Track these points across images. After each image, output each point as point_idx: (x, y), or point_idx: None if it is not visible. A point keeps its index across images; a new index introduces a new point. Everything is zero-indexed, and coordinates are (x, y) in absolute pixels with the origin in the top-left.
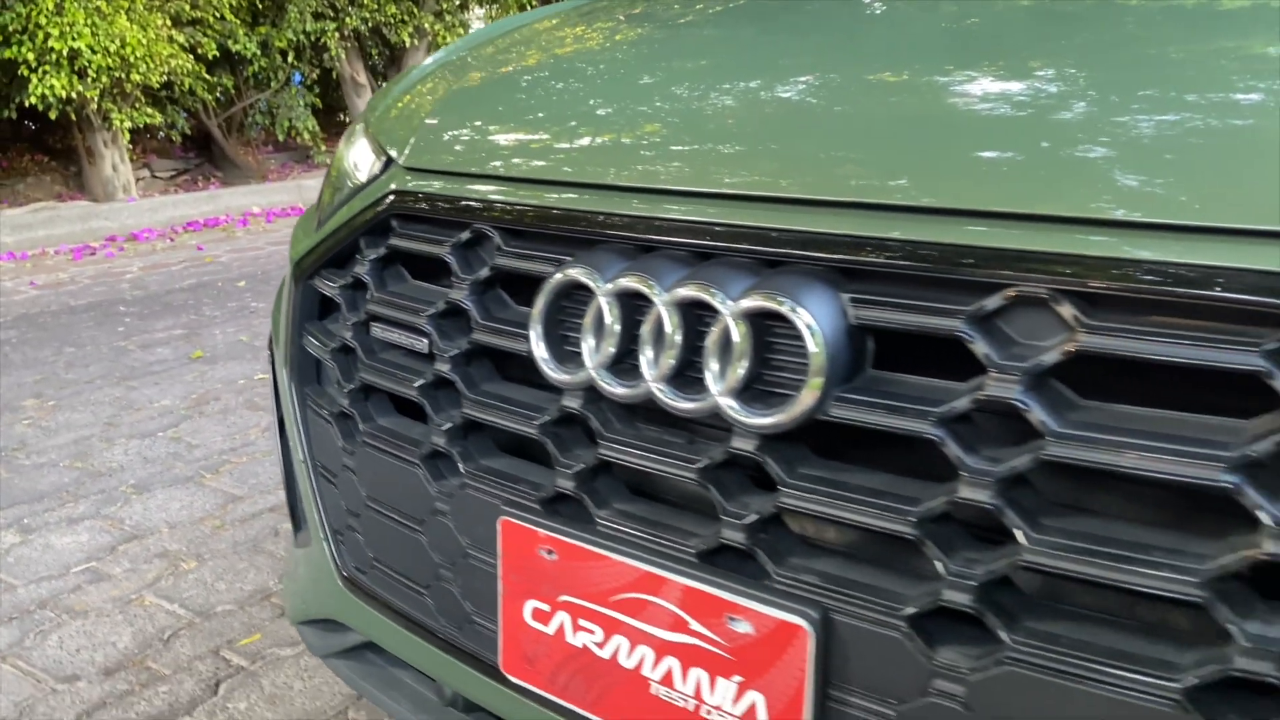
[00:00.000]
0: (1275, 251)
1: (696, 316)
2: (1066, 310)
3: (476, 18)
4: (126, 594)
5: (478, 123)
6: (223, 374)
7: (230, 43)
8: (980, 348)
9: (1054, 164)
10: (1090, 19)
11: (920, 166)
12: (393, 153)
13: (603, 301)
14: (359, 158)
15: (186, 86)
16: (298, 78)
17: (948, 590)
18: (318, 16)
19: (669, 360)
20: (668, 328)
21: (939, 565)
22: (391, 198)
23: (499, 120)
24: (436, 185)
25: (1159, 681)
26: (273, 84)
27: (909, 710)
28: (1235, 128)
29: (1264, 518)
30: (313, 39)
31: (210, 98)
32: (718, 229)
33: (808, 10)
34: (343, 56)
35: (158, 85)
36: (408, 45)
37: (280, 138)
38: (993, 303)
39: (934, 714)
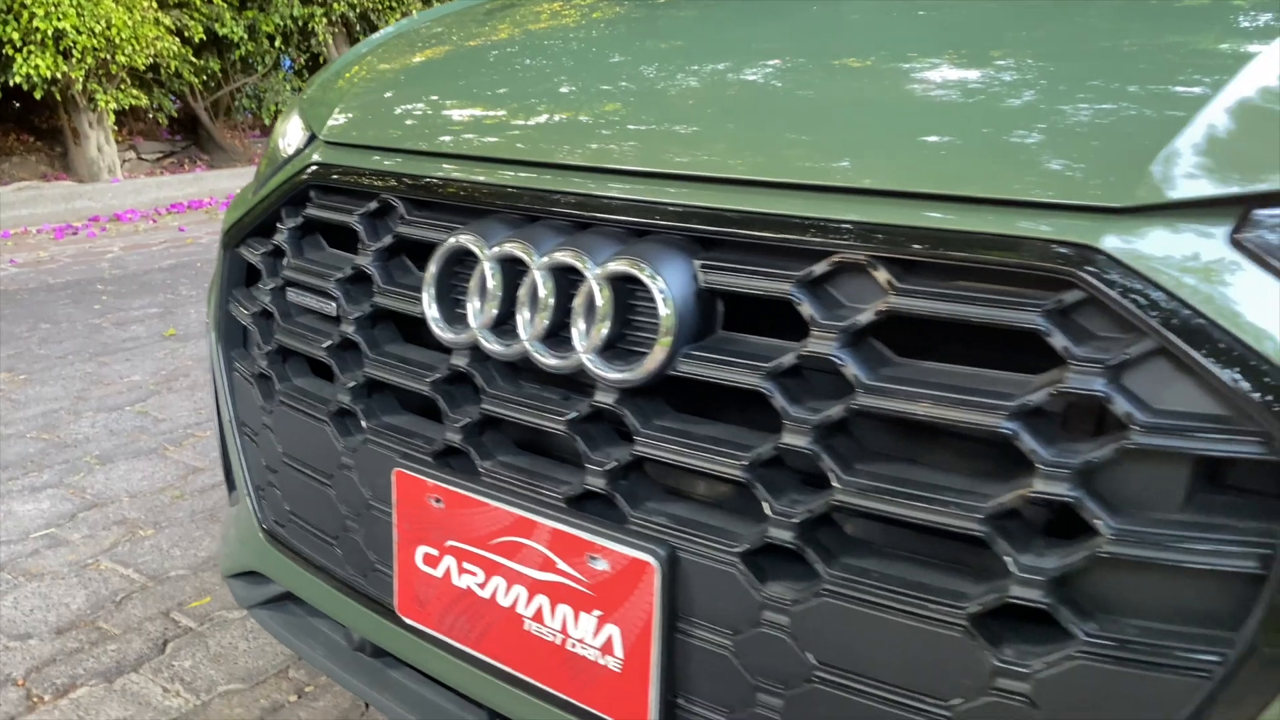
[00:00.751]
0: (1054, 221)
1: (570, 281)
2: (882, 275)
3: None
4: (83, 559)
5: (389, 101)
6: (194, 351)
7: (217, 26)
8: (806, 309)
9: (870, 142)
10: (944, 11)
11: (762, 144)
12: (316, 128)
13: (486, 266)
14: (290, 133)
15: (173, 69)
16: (286, 63)
17: (773, 528)
18: (305, 1)
19: (543, 320)
20: (542, 291)
21: (766, 506)
22: (311, 170)
23: (406, 99)
24: (350, 158)
25: (949, 608)
26: (259, 68)
27: (743, 640)
28: (1012, 113)
29: (1036, 460)
30: (300, 24)
31: (197, 81)
32: (591, 200)
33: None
34: (330, 42)
35: (143, 67)
36: None
37: (267, 122)
38: (820, 268)
39: (764, 643)
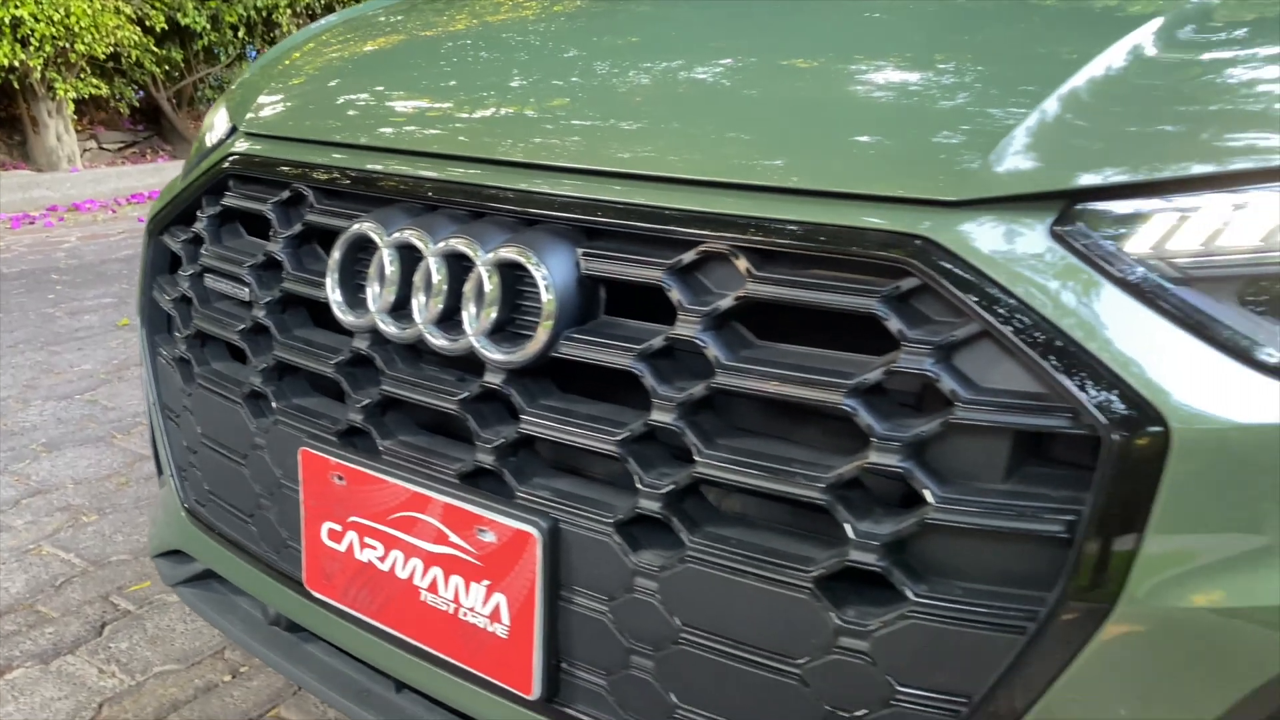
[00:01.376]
0: (893, 214)
1: (463, 268)
2: (742, 264)
3: None
4: (25, 544)
5: (302, 95)
6: None
7: (179, 16)
8: (675, 295)
9: (731, 139)
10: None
11: (635, 139)
12: (237, 120)
13: (385, 253)
14: (216, 124)
15: (134, 59)
16: (252, 53)
17: (643, 500)
18: None
19: (436, 305)
20: (435, 277)
21: (637, 479)
22: (230, 160)
23: (318, 94)
24: (266, 149)
25: (797, 572)
26: (223, 58)
27: (618, 605)
28: (859, 114)
29: (871, 433)
30: (264, 14)
31: (159, 71)
32: (482, 191)
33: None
34: (294, 32)
35: (103, 56)
36: None
37: None
38: (688, 257)
39: (636, 607)
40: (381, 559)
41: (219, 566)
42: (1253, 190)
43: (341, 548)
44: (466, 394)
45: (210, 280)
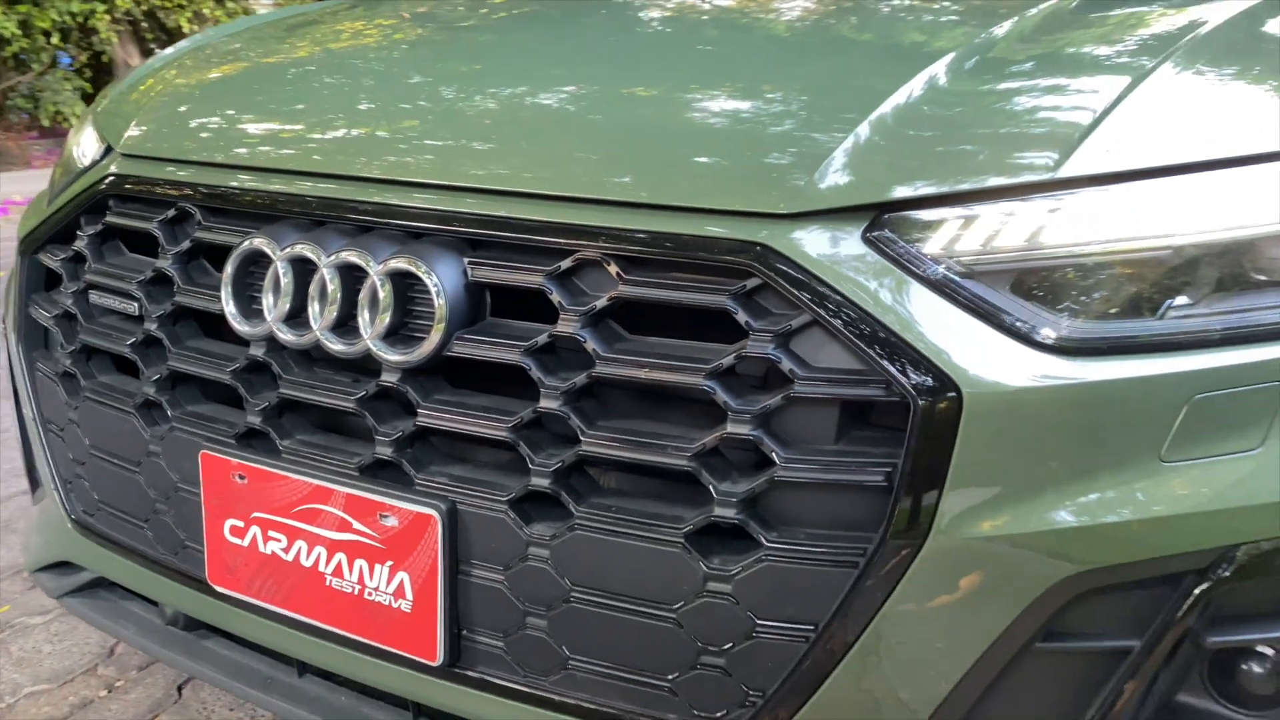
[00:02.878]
0: (737, 224)
1: (355, 278)
2: (613, 269)
3: (262, 4)
4: None
5: (184, 115)
6: None
7: None
8: (556, 297)
9: (599, 159)
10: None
11: (517, 159)
12: (113, 140)
13: (279, 266)
14: (85, 144)
15: None
16: (65, 60)
17: (535, 478)
18: None
19: (332, 312)
20: (330, 286)
21: (528, 460)
22: (109, 180)
23: (201, 113)
24: (148, 169)
25: (671, 530)
26: (35, 66)
27: (513, 574)
28: (708, 138)
29: (727, 408)
30: (80, 20)
31: None
32: (373, 206)
33: (460, 27)
34: (115, 40)
35: None
36: (186, 31)
37: (46, 123)
38: (565, 264)
39: (530, 574)
40: (285, 550)
41: (112, 573)
42: (1018, 201)
43: (244, 543)
44: (364, 393)
45: (95, 296)
